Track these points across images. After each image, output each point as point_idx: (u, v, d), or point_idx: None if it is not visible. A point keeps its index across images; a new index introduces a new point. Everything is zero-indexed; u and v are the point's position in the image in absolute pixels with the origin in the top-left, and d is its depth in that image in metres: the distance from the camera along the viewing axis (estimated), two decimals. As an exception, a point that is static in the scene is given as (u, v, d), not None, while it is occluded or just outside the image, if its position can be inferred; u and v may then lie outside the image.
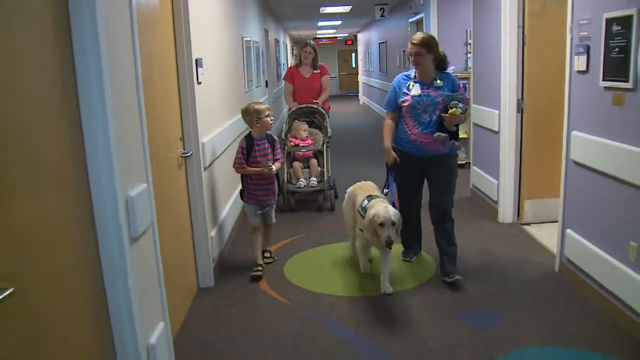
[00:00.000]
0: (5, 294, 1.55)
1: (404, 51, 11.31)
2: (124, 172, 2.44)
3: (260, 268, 4.40)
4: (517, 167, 5.44)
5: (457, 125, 4.07)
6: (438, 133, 4.02)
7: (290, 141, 6.48)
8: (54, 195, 2.00)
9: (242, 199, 4.52)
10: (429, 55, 4.06)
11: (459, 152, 4.31)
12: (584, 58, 3.77)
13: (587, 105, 3.82)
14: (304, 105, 6.54)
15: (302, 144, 6.49)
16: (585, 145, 3.83)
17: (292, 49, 23.59)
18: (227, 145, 5.22)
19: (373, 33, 17.93)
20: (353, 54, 27.15)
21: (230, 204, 5.30)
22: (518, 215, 5.54)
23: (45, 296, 1.89)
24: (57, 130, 2.06)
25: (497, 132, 5.59)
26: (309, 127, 6.57)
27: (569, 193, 4.16)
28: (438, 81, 4.11)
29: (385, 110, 4.40)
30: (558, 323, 3.52)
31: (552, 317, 3.60)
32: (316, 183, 6.31)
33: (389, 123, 4.30)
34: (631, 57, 3.19)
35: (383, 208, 3.79)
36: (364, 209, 3.98)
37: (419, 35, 4.12)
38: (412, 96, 4.10)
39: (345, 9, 12.65)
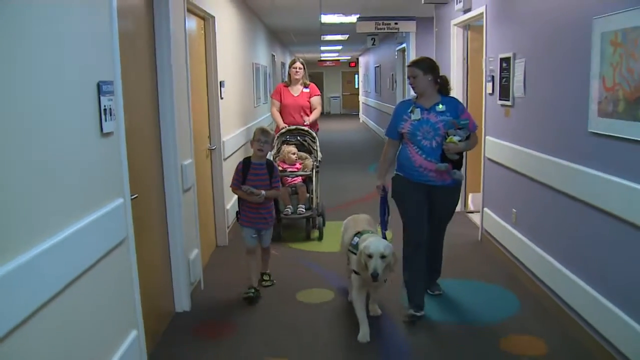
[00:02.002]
0: (134, 197, 3.15)
1: (392, 74, 12.99)
2: (180, 150, 4.07)
3: (252, 291, 4.33)
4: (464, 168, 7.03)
5: (459, 154, 3.88)
6: (438, 164, 3.83)
7: (279, 165, 6.05)
8: (149, 155, 3.63)
9: (237, 221, 4.56)
10: (426, 77, 3.90)
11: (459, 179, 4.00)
12: (490, 84, 5.41)
13: (493, 117, 5.44)
14: (294, 127, 6.33)
15: (290, 169, 6.21)
16: (493, 146, 5.42)
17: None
18: (239, 147, 6.85)
19: (371, 57, 19.68)
20: (356, 76, 28.86)
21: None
22: (464, 206, 7.12)
23: (146, 204, 3.50)
24: (149, 121, 3.70)
25: (449, 140, 7.20)
26: (298, 150, 6.31)
27: (486, 181, 5.75)
28: (440, 106, 3.90)
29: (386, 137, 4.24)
30: (469, 267, 5.08)
31: (466, 264, 5.17)
32: (304, 210, 5.98)
33: (387, 151, 4.17)
34: (511, 83, 4.81)
35: (374, 240, 3.59)
36: (355, 246, 3.73)
37: (416, 58, 4.11)
38: (412, 122, 3.90)
39: (343, 37, 14.37)
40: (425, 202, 4.01)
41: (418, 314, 3.93)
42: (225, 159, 5.92)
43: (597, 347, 3.35)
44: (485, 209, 5.70)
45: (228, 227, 5.95)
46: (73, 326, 2.31)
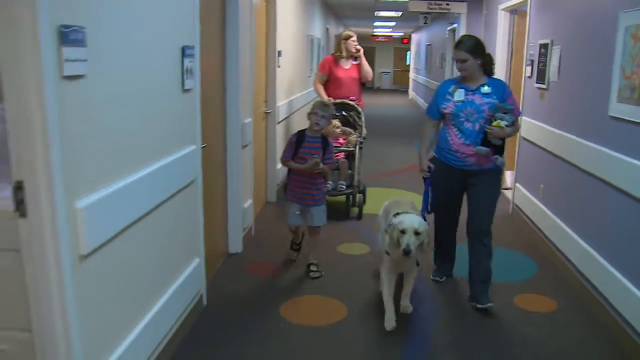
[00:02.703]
0: (203, 146, 3.69)
1: (442, 54, 13.25)
2: (242, 110, 4.60)
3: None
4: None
5: (502, 139, 3.72)
6: (479, 147, 3.68)
7: None
8: (215, 112, 4.18)
9: (284, 194, 4.42)
10: (476, 61, 3.73)
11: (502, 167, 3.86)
12: (529, 68, 5.75)
13: (530, 99, 5.79)
14: (339, 101, 6.05)
15: (333, 144, 5.60)
16: (528, 126, 5.78)
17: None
18: (294, 111, 7.38)
19: (423, 35, 19.84)
20: (408, 52, 28.93)
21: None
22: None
23: (211, 154, 4.05)
24: (217, 82, 4.23)
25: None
26: (343, 125, 6.17)
27: (520, 159, 6.12)
28: (486, 87, 3.74)
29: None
30: (496, 236, 5.49)
31: (494, 233, 5.58)
32: (344, 187, 5.84)
33: (427, 131, 4.04)
34: (547, 68, 5.16)
35: (409, 217, 3.48)
36: (393, 227, 3.52)
37: (464, 40, 3.82)
38: (455, 102, 3.75)
39: (397, 14, 14.64)
40: (458, 189, 3.96)
41: (440, 279, 4.30)
42: (278, 122, 6.45)
43: (601, 310, 3.77)
44: (517, 184, 6.08)
45: (277, 185, 6.49)
46: (153, 244, 2.89)
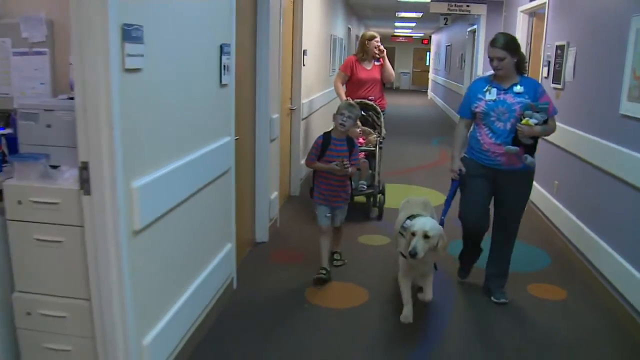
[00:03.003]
0: (237, 138, 3.94)
1: (462, 54, 13.41)
2: (271, 106, 4.85)
3: (324, 271, 4.22)
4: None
5: (534, 139, 3.66)
6: (508, 146, 3.63)
7: None
8: (246, 106, 4.43)
9: (311, 197, 4.38)
10: (512, 60, 3.66)
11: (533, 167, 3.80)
12: (546, 68, 5.94)
13: (547, 99, 5.97)
14: (359, 100, 5.88)
15: None
16: (544, 124, 5.97)
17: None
18: (315, 109, 7.62)
19: (443, 36, 19.98)
20: (427, 53, 29.04)
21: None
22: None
23: (242, 147, 4.30)
24: (248, 78, 4.48)
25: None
26: (362, 125, 6.04)
27: (536, 156, 6.28)
28: (518, 86, 3.69)
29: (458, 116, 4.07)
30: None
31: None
32: (365, 187, 5.87)
33: (460, 130, 3.98)
34: (563, 69, 5.35)
35: (422, 219, 3.43)
36: (406, 230, 3.52)
37: (501, 37, 3.71)
38: (487, 101, 3.71)
39: (417, 15, 14.82)
40: (488, 188, 3.86)
41: (462, 279, 4.36)
42: (303, 119, 6.70)
43: (610, 298, 3.96)
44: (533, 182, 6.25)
45: (301, 180, 6.74)
46: (192, 226, 3.14)
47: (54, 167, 2.47)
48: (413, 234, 3.35)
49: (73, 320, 2.50)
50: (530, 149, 3.67)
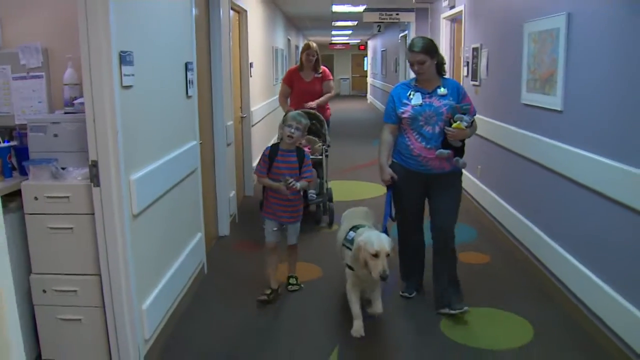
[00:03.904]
0: (200, 142, 4.54)
1: (396, 58, 14.29)
2: (225, 114, 5.47)
3: (268, 292, 4.07)
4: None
5: (462, 141, 3.70)
6: (440, 150, 3.64)
7: None
8: (206, 115, 5.04)
9: (261, 210, 4.33)
10: (433, 62, 3.69)
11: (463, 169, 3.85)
12: (466, 68, 6.77)
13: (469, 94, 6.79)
14: (302, 110, 5.53)
15: None
16: (467, 118, 6.79)
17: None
18: (262, 117, 8.26)
19: (378, 42, 20.95)
20: (365, 58, 30.02)
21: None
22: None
23: (204, 150, 4.89)
24: (206, 90, 5.09)
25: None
26: (307, 134, 5.53)
27: (463, 147, 7.11)
28: (442, 89, 3.72)
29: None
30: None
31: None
32: (315, 196, 5.83)
33: (386, 137, 3.87)
34: (479, 68, 6.17)
35: (374, 235, 3.31)
36: (350, 241, 3.51)
37: (419, 41, 3.71)
38: (413, 106, 3.68)
39: (353, 23, 15.67)
40: (423, 194, 3.90)
41: (410, 295, 4.10)
42: (252, 125, 7.34)
43: (527, 261, 4.73)
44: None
45: (253, 181, 7.37)
46: (177, 208, 3.75)
47: (63, 168, 3.04)
48: (375, 255, 3.21)
49: (83, 293, 3.06)
50: (460, 151, 3.72)
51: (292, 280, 4.32)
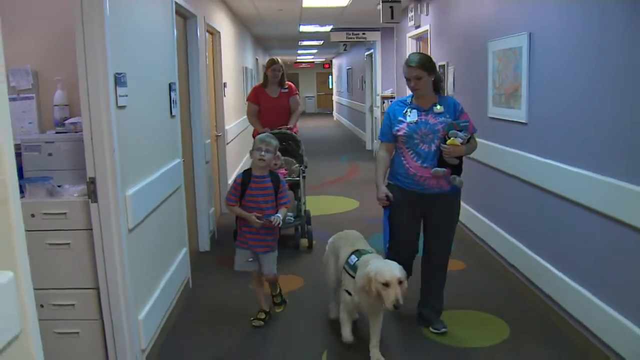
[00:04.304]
0: (182, 160, 4.68)
1: (362, 76, 14.62)
2: (203, 132, 5.62)
3: (263, 316, 3.99)
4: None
5: (459, 158, 3.61)
6: (435, 169, 3.55)
7: None
8: (185, 134, 5.18)
9: (234, 240, 4.08)
10: (430, 78, 3.62)
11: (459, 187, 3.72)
12: (433, 85, 7.04)
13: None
14: (276, 130, 5.62)
15: None
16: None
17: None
18: (236, 135, 8.42)
19: (343, 60, 21.32)
20: (330, 77, 30.46)
21: (239, 168, 8.51)
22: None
23: (185, 168, 5.03)
24: (185, 109, 5.24)
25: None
26: (282, 155, 5.61)
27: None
28: (438, 106, 3.65)
29: (380, 141, 3.90)
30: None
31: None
32: (292, 219, 5.71)
33: (382, 155, 3.80)
34: (446, 84, 6.45)
35: (384, 264, 3.23)
36: (353, 267, 3.40)
37: (416, 57, 3.65)
38: (408, 124, 3.61)
39: (319, 42, 15.98)
40: (419, 214, 3.78)
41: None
42: (227, 143, 7.49)
43: (501, 266, 4.97)
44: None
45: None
46: (163, 227, 3.88)
47: (58, 186, 3.15)
48: (386, 284, 3.12)
49: (80, 307, 3.16)
50: (457, 169, 3.63)
51: (276, 300, 4.20)
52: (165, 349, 3.68)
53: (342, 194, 8.38)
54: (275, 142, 3.87)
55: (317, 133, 18.71)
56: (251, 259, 3.93)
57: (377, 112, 11.63)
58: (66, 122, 3.40)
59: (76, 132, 3.39)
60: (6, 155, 1.69)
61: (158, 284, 3.70)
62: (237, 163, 8.81)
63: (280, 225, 3.83)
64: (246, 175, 3.86)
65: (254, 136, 5.85)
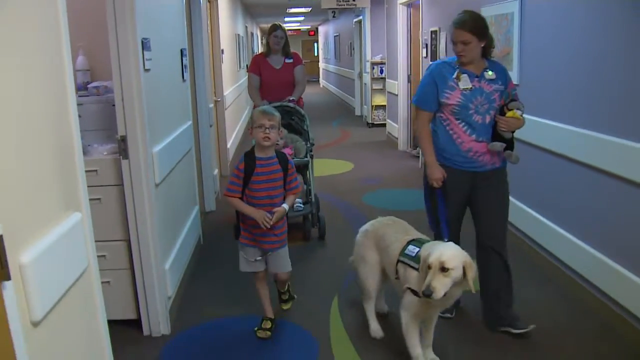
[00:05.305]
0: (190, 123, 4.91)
1: (350, 43, 14.78)
2: (207, 98, 5.84)
3: (269, 326, 3.44)
4: (408, 115, 8.96)
5: (513, 132, 3.19)
6: (493, 143, 3.16)
7: None
8: (191, 98, 5.40)
9: (236, 238, 3.58)
10: (479, 45, 3.13)
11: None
12: (425, 50, 7.29)
13: (427, 74, 7.33)
14: (278, 104, 4.87)
15: None
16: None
17: (262, 39, 26.51)
18: (232, 100, 8.62)
19: (330, 27, 21.38)
20: (315, 44, 30.45)
21: (235, 133, 8.73)
22: (409, 145, 9.05)
23: (192, 129, 5.27)
24: (190, 75, 5.44)
25: (397, 95, 9.12)
26: (287, 132, 5.05)
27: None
28: (489, 72, 3.17)
29: (417, 107, 3.31)
30: (410, 181, 7.02)
31: (408, 180, 7.10)
32: (302, 206, 5.01)
33: (426, 128, 3.26)
34: (437, 49, 6.69)
35: (443, 246, 2.71)
36: (415, 258, 2.83)
37: (467, 18, 3.12)
38: (462, 91, 3.11)
39: (307, 9, 16.04)
40: (466, 198, 3.31)
41: (451, 315, 3.49)
42: (226, 108, 7.72)
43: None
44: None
45: (229, 161, 7.75)
46: (180, 185, 4.15)
47: (88, 145, 3.38)
48: (429, 267, 2.64)
49: (111, 258, 3.42)
50: (511, 144, 3.21)
51: (284, 296, 3.70)
52: (186, 296, 3.97)
53: (337, 157, 8.66)
54: (278, 114, 3.22)
55: (306, 100, 18.75)
56: (260, 258, 3.37)
57: (367, 78, 11.85)
58: (89, 85, 3.61)
59: (98, 95, 3.62)
60: (71, 116, 1.94)
61: (178, 238, 3.98)
62: (236, 127, 9.08)
63: (280, 216, 3.24)
64: (249, 158, 3.22)
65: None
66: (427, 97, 3.22)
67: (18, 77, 1.56)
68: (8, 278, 1.42)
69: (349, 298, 3.89)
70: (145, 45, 3.17)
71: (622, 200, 3.29)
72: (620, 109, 3.28)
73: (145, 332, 3.46)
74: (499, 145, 3.17)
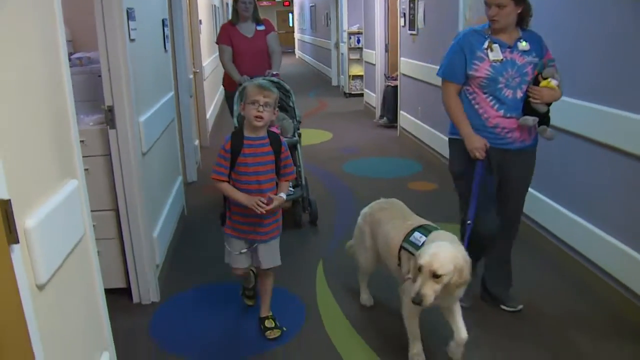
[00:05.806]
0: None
1: (327, 13, 14.72)
2: (187, 69, 5.83)
3: (251, 294, 3.43)
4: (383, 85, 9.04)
5: (548, 105, 2.93)
6: (525, 117, 2.90)
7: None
8: (173, 69, 5.40)
9: (222, 225, 3.10)
10: (516, 10, 2.85)
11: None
12: (403, 19, 7.33)
13: (405, 43, 7.40)
14: (261, 79, 4.09)
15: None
16: (405, 64, 7.38)
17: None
18: (211, 71, 8.60)
19: (305, -3, 21.24)
20: (290, 14, 30.18)
21: (213, 105, 8.72)
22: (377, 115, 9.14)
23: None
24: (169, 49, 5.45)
25: (374, 64, 9.17)
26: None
27: (402, 91, 7.75)
28: (523, 42, 2.92)
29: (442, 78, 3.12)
30: (388, 150, 7.12)
31: (386, 149, 7.20)
32: (292, 190, 4.55)
33: (457, 101, 3.04)
34: (416, 18, 6.74)
35: (438, 247, 2.49)
36: (419, 246, 2.64)
37: None
38: (492, 62, 2.88)
39: (282, -22, 15.92)
40: (496, 177, 3.05)
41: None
42: (204, 79, 7.70)
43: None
44: (401, 112, 7.72)
45: (208, 132, 7.76)
46: (164, 156, 4.18)
47: (74, 116, 3.40)
48: (419, 269, 2.46)
49: (100, 227, 3.44)
50: (545, 118, 2.95)
51: (268, 324, 3.16)
52: (173, 265, 4.04)
53: (315, 127, 8.71)
54: (276, 91, 2.85)
55: (282, 70, 18.77)
56: (245, 250, 3.02)
57: (344, 48, 11.86)
58: (72, 57, 3.62)
59: (82, 65, 3.63)
60: (65, 86, 1.98)
61: (164, 207, 4.03)
62: (214, 98, 9.07)
63: (274, 205, 2.85)
64: (236, 138, 2.86)
65: (225, 85, 5.26)
66: (455, 67, 2.99)
67: (18, 49, 1.59)
68: (17, 241, 1.48)
69: (334, 263, 4.00)
70: (130, 15, 3.18)
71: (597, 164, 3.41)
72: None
73: (135, 299, 3.53)
74: (531, 120, 2.91)
